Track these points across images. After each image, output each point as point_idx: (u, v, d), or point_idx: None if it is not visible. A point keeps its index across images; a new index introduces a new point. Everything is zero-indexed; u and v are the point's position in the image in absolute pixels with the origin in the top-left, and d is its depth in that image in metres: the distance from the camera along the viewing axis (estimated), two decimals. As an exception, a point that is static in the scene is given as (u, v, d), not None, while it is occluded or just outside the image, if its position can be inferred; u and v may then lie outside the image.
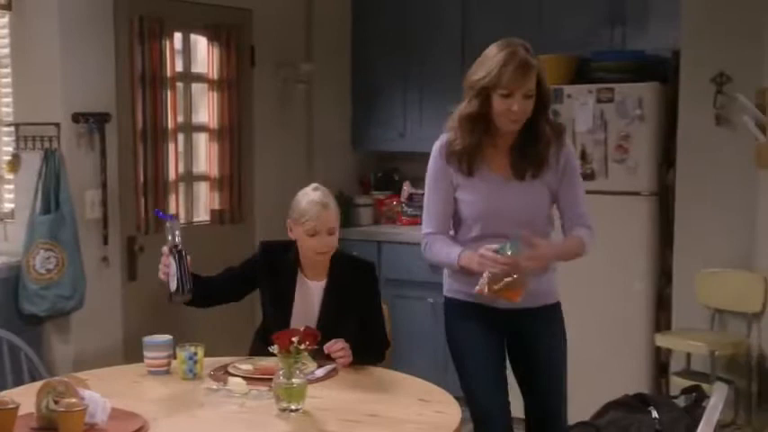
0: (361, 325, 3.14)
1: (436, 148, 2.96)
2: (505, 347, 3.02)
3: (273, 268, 3.24)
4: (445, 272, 3.07)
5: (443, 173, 2.93)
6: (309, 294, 3.22)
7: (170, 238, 2.95)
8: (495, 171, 2.88)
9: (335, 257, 3.22)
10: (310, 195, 3.16)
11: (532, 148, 2.83)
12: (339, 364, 3.00)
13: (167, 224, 2.95)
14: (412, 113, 5.54)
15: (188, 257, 2.97)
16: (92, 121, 4.16)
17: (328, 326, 3.07)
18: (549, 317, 3.00)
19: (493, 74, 2.74)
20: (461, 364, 3.00)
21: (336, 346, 3.00)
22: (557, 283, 3.02)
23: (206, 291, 3.18)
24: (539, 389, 2.99)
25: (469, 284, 2.82)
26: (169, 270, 2.97)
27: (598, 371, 4.41)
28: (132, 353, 3.72)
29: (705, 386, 3.86)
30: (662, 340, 4.42)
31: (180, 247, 2.94)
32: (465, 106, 2.85)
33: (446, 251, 2.91)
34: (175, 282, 2.95)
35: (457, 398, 2.73)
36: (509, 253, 2.66)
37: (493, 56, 2.78)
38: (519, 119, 2.78)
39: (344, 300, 3.17)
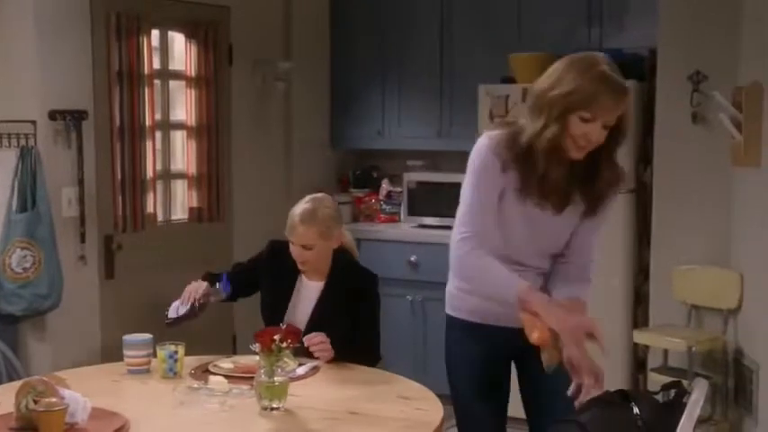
0: (353, 334, 3.14)
1: (490, 147, 2.49)
2: (511, 369, 2.76)
3: (276, 266, 3.26)
4: (450, 286, 2.73)
5: (496, 179, 2.49)
6: (307, 294, 3.24)
7: (211, 297, 3.17)
8: None
9: (339, 262, 3.24)
10: (297, 207, 3.19)
11: (591, 186, 2.51)
12: (318, 357, 3.00)
13: (218, 285, 3.20)
14: (390, 111, 5.55)
15: (198, 312, 3.16)
16: (68, 119, 4.13)
17: (319, 326, 3.08)
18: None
19: (580, 94, 2.35)
20: (460, 398, 2.74)
21: (315, 339, 3.00)
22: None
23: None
24: (545, 413, 2.62)
25: (472, 302, 2.62)
26: (188, 301, 3.14)
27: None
28: (110, 352, 3.70)
29: (685, 382, 3.90)
30: (640, 337, 4.45)
31: (199, 307, 3.15)
32: (542, 129, 2.41)
33: (503, 274, 2.46)
34: (173, 314, 3.14)
35: (438, 395, 2.73)
36: None
37: (579, 72, 2.38)
38: (589, 148, 2.43)
39: (339, 304, 3.18)
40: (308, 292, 3.24)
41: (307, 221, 3.13)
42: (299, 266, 3.21)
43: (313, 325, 3.13)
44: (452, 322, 2.75)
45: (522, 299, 2.40)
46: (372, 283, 3.29)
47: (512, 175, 2.49)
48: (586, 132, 2.39)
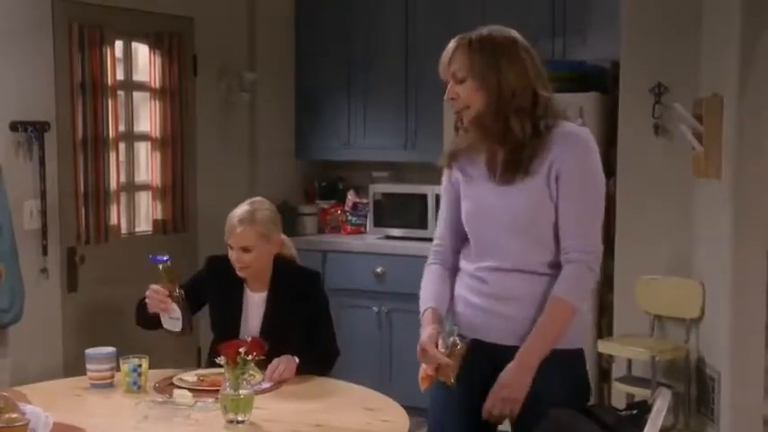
0: (308, 335, 3.14)
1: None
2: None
3: (219, 282, 3.25)
4: None
5: (449, 179, 2.62)
6: (253, 306, 3.23)
7: (169, 282, 3.00)
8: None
9: (279, 268, 3.23)
10: (237, 210, 3.18)
11: (510, 143, 2.41)
12: (285, 380, 2.99)
13: (161, 266, 3.00)
14: (356, 123, 5.56)
15: (183, 296, 3.01)
16: (30, 130, 4.09)
17: (271, 337, 3.06)
18: (556, 364, 2.36)
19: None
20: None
21: (278, 372, 2.97)
22: (582, 325, 2.46)
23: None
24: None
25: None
26: (166, 308, 3.00)
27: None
28: (73, 366, 3.67)
29: (646, 392, 3.95)
30: (604, 347, 4.49)
31: (181, 292, 3.01)
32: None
33: (428, 291, 2.55)
34: (180, 324, 3.00)
35: (404, 406, 2.74)
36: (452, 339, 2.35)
37: None
38: (459, 106, 2.48)
39: (287, 310, 3.17)
40: (254, 304, 3.22)
41: (246, 222, 3.12)
42: (239, 272, 3.18)
43: (264, 337, 3.10)
44: None
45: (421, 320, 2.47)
46: (315, 282, 3.30)
47: (457, 163, 2.54)
48: (449, 91, 2.48)
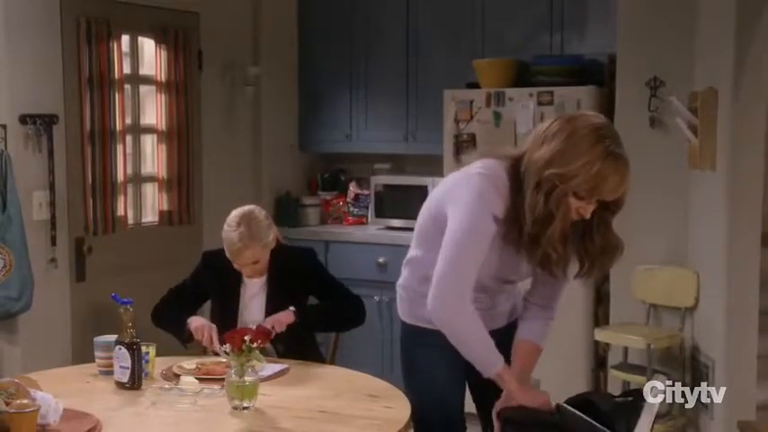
0: (326, 299, 3.30)
1: (489, 207, 2.42)
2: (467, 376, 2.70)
3: (217, 274, 3.34)
4: (402, 294, 2.76)
5: (491, 232, 2.48)
6: (253, 293, 3.32)
7: (127, 327, 2.82)
8: None
9: (275, 253, 3.31)
10: (231, 234, 3.20)
11: (583, 247, 2.49)
12: (279, 325, 3.13)
13: (122, 309, 2.82)
14: (358, 116, 5.62)
15: (138, 346, 2.84)
16: (39, 123, 4.17)
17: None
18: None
19: (584, 177, 2.28)
20: (422, 393, 2.72)
21: (270, 323, 3.11)
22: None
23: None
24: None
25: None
26: (118, 361, 2.84)
27: (539, 366, 4.52)
28: (81, 354, 3.75)
29: (642, 379, 4.02)
30: (601, 335, 4.55)
31: (137, 341, 2.83)
32: (538, 206, 2.32)
33: (488, 346, 2.48)
34: (128, 375, 2.83)
35: (405, 393, 2.80)
36: None
37: (582, 151, 2.27)
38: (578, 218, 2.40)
39: (289, 290, 3.27)
40: (255, 290, 3.32)
41: (249, 244, 3.20)
42: (246, 277, 3.31)
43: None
44: (408, 328, 2.74)
45: (500, 376, 2.51)
46: (312, 257, 3.42)
47: (502, 227, 2.41)
48: (580, 208, 2.32)
